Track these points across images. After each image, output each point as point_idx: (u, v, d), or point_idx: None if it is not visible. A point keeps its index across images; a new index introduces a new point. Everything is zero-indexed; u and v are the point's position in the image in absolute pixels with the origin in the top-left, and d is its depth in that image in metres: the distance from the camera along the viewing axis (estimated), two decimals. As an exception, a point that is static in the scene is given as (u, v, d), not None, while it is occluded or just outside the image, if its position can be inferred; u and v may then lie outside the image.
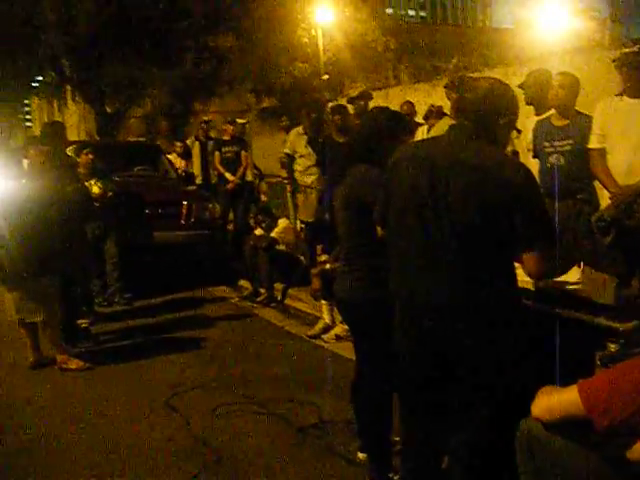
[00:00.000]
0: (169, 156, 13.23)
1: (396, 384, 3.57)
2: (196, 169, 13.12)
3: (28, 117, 73.67)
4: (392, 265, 3.42)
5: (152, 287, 9.96)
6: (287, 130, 11.99)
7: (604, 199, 5.82)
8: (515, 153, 6.75)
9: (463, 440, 3.32)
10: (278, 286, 9.48)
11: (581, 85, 6.23)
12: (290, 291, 9.36)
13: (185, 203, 10.71)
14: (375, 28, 24.45)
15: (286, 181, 11.08)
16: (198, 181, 12.85)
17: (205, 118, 15.00)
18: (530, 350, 3.32)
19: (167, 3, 20.56)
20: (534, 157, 6.38)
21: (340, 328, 7.40)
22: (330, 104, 8.41)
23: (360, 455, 4.59)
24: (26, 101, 58.87)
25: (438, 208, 3.12)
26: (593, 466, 2.81)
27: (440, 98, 9.59)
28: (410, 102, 10.18)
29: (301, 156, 9.58)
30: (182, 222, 10.63)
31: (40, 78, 26.36)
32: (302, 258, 9.57)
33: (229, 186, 11.89)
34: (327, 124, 8.93)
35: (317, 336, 7.65)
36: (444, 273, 3.14)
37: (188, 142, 13.77)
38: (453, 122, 6.69)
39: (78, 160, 8.88)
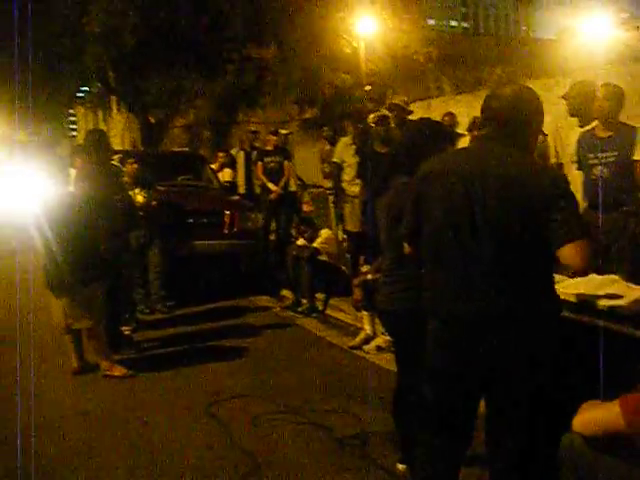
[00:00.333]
0: (212, 166, 13.33)
1: (426, 399, 3.49)
2: (240, 179, 13.17)
3: (73, 126, 74.58)
4: (428, 281, 3.35)
5: (194, 296, 10.03)
6: (329, 140, 12.03)
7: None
8: (559, 165, 6.71)
9: (504, 453, 3.29)
10: (320, 296, 9.49)
11: (626, 96, 6.18)
12: (331, 301, 9.37)
13: (228, 213, 10.78)
14: (417, 39, 24.41)
15: (328, 191, 11.08)
16: (242, 190, 12.90)
17: (252, 128, 15.07)
18: (572, 363, 3.29)
19: (211, 14, 20.73)
20: (578, 169, 6.34)
21: (381, 339, 7.39)
22: (372, 115, 8.38)
23: (400, 467, 4.56)
24: (71, 110, 59.65)
25: (476, 221, 3.09)
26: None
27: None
28: (452, 113, 10.14)
29: (349, 166, 9.58)
30: (225, 231, 10.70)
31: (86, 88, 26.74)
32: (344, 268, 9.58)
33: (272, 196, 11.90)
34: (370, 134, 8.91)
35: (358, 347, 7.65)
36: (485, 286, 3.10)
37: (233, 152, 13.84)
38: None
39: (123, 169, 9.00)
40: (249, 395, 6.25)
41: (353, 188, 9.51)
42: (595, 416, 2.85)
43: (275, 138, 12.27)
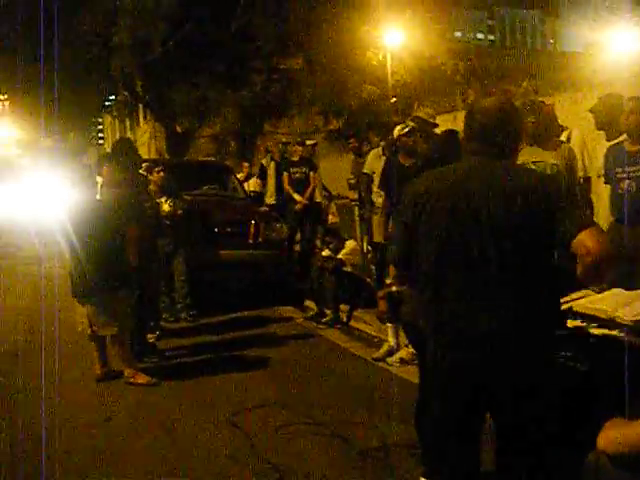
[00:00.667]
0: (238, 175, 13.38)
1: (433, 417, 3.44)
2: (270, 189, 13.12)
3: (101, 135, 75.24)
4: (429, 301, 3.23)
5: (218, 305, 10.06)
6: (355, 152, 12.03)
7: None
8: (586, 179, 6.68)
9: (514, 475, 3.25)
10: (344, 307, 9.48)
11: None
12: (355, 313, 9.36)
13: (253, 222, 10.82)
14: (444, 51, 24.42)
15: (353, 202, 11.07)
16: (272, 200, 12.88)
17: (283, 139, 15.10)
18: (599, 380, 3.26)
19: (238, 25, 20.84)
20: (606, 183, 6.30)
21: (405, 351, 7.36)
22: (398, 127, 8.37)
23: (423, 480, 4.55)
24: (99, 119, 60.17)
25: (482, 238, 3.03)
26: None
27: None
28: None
29: (379, 177, 9.56)
30: (249, 241, 10.74)
31: (113, 97, 26.96)
32: (369, 280, 9.56)
33: (297, 207, 11.92)
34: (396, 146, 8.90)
35: (382, 359, 7.63)
36: (495, 302, 3.02)
37: (264, 162, 13.86)
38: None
39: (150, 178, 9.05)
40: (272, 405, 6.25)
41: (381, 199, 9.49)
42: (620, 434, 2.82)
43: (301, 149, 12.29)
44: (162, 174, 9.30)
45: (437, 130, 8.69)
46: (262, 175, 13.64)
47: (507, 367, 3.04)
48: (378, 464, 4.98)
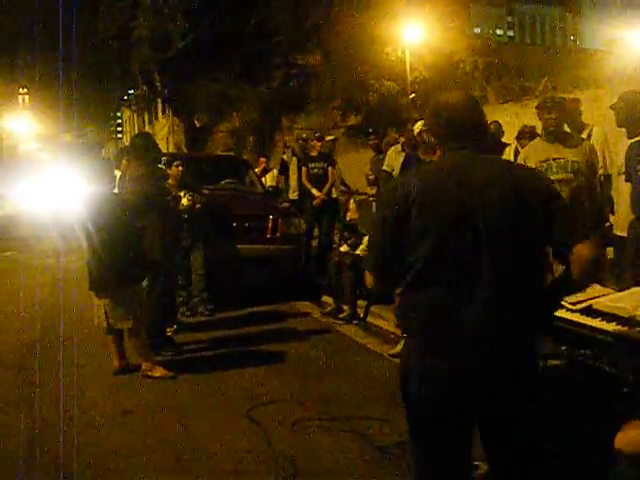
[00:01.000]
0: (256, 170, 13.38)
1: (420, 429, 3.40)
2: (292, 184, 13.08)
3: (119, 129, 75.60)
4: (415, 302, 3.08)
5: (235, 299, 10.06)
6: (374, 148, 12.01)
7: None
8: (607, 177, 6.64)
9: None
10: (361, 303, 9.46)
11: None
12: (373, 309, 9.33)
13: (271, 217, 10.81)
14: (463, 47, 24.39)
15: (371, 198, 11.04)
16: (295, 196, 12.85)
17: (304, 135, 15.09)
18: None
19: (258, 22, 20.87)
20: (627, 180, 6.25)
21: (422, 348, 7.33)
22: (418, 123, 8.36)
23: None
24: (117, 113, 60.47)
25: (479, 237, 2.90)
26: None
27: (529, 119, 9.47)
28: (497, 122, 10.07)
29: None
30: (267, 236, 10.73)
31: (132, 91, 27.08)
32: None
33: (315, 202, 11.92)
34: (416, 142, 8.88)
35: (399, 355, 7.59)
36: (488, 303, 2.90)
37: (284, 157, 13.85)
38: (542, 143, 6.61)
39: (168, 172, 9.05)
40: (289, 400, 6.23)
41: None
42: (638, 434, 2.82)
43: (319, 144, 12.28)
44: (181, 168, 9.30)
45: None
46: (282, 170, 13.62)
47: (497, 367, 2.96)
48: (396, 461, 4.93)
